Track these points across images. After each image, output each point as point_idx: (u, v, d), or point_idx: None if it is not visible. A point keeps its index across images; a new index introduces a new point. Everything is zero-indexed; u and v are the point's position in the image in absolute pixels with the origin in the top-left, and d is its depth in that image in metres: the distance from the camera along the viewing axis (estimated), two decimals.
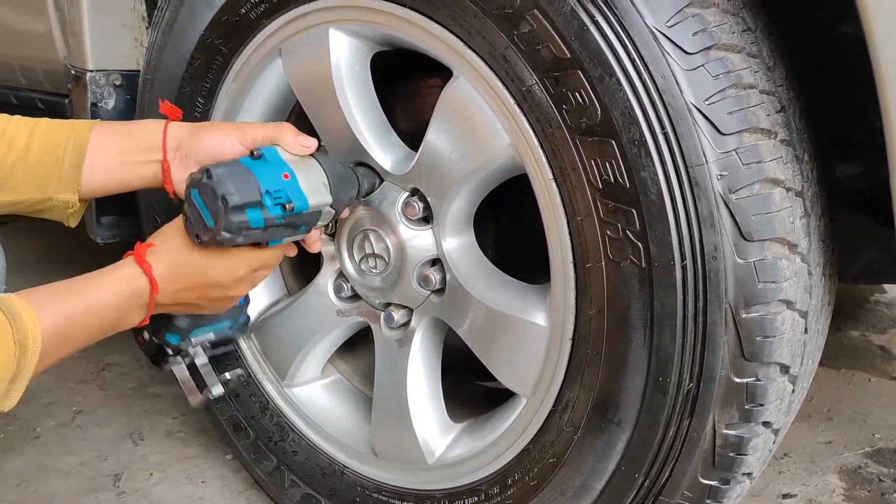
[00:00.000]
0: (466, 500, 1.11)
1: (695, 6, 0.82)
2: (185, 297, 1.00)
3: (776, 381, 0.88)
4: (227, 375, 1.14)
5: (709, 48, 0.82)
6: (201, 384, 1.12)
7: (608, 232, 0.88)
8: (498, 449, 1.07)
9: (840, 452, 1.59)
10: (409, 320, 1.15)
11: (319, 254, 1.19)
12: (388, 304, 1.17)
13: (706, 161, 0.81)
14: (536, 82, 0.88)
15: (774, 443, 0.97)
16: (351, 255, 1.17)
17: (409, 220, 1.09)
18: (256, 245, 1.00)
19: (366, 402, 1.31)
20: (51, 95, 1.59)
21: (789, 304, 0.86)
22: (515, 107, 0.91)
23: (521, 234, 1.18)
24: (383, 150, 1.10)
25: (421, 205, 1.08)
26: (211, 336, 1.11)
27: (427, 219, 1.09)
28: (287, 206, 0.95)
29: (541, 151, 0.91)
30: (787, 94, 0.90)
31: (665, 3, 0.82)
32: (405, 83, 1.23)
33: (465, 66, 0.95)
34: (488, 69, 0.92)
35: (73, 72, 1.40)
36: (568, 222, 0.91)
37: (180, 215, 0.99)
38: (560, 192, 0.91)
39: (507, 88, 0.91)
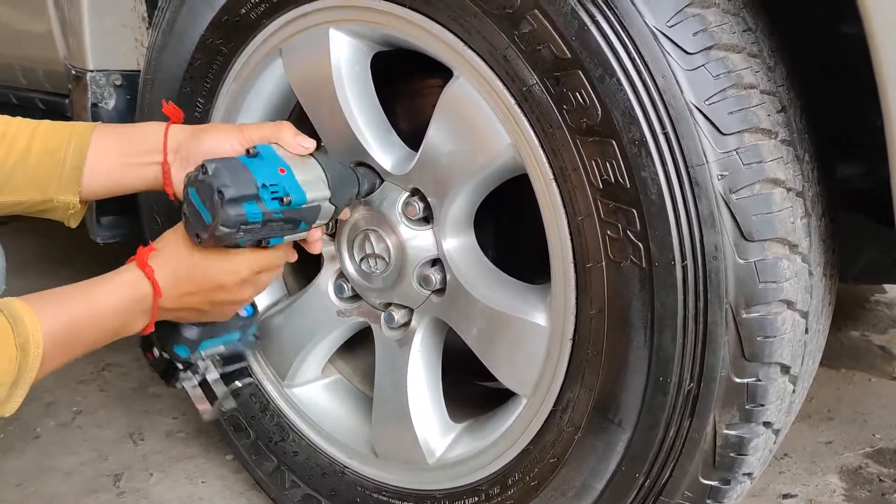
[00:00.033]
0: (467, 501, 1.11)
1: (695, 6, 0.82)
2: (189, 301, 1.00)
3: (777, 381, 0.88)
4: (238, 384, 1.12)
5: (709, 48, 0.82)
6: (212, 397, 1.11)
7: (609, 232, 0.88)
8: (498, 449, 1.07)
9: (840, 453, 1.59)
10: (410, 320, 1.15)
11: (320, 254, 1.19)
12: (389, 305, 1.17)
13: (707, 161, 0.81)
14: (537, 82, 0.88)
15: (775, 443, 0.96)
16: (351, 256, 1.17)
17: (409, 220, 1.09)
18: (258, 246, 1.00)
19: (366, 403, 1.31)
20: (51, 95, 1.59)
21: (790, 304, 0.86)
22: (516, 107, 0.91)
23: (522, 235, 1.18)
24: (384, 150, 1.10)
25: (421, 205, 1.08)
26: (221, 348, 1.09)
27: (427, 219, 1.09)
28: (284, 199, 0.95)
29: (541, 151, 0.91)
30: (787, 94, 0.90)
31: (665, 3, 0.82)
32: (405, 83, 1.23)
33: (465, 66, 0.95)
34: (489, 69, 0.92)
35: (73, 72, 1.40)
36: (568, 222, 0.91)
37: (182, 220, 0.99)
38: (560, 193, 0.91)
39: (508, 88, 0.91)
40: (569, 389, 0.97)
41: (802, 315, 0.89)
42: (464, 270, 1.07)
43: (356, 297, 1.21)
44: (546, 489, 1.01)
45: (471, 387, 1.33)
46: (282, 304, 1.32)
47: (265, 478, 1.35)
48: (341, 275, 1.22)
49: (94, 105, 1.38)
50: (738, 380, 0.86)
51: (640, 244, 0.86)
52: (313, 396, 1.33)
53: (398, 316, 1.15)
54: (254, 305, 1.13)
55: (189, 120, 1.21)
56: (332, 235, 1.19)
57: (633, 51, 0.82)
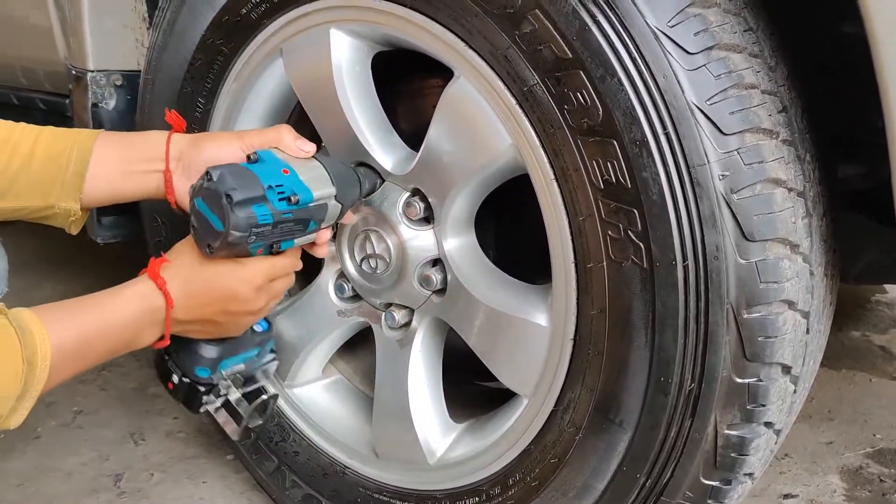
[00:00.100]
0: (468, 501, 1.10)
1: (696, 6, 0.82)
2: (203, 312, 0.98)
3: (778, 381, 0.88)
4: (264, 396, 1.11)
5: (710, 48, 0.82)
6: (237, 417, 1.10)
7: (610, 232, 0.88)
8: (499, 449, 1.07)
9: (841, 453, 1.59)
10: (410, 321, 1.15)
11: None
12: (389, 305, 1.17)
13: (708, 161, 0.81)
14: (538, 82, 0.88)
15: (776, 443, 0.96)
16: (352, 256, 1.17)
17: (410, 220, 1.09)
18: (269, 253, 1.00)
19: (367, 403, 1.31)
20: (51, 96, 1.59)
21: (791, 304, 0.86)
22: (517, 107, 0.91)
23: (523, 235, 1.18)
24: (384, 151, 1.10)
25: (422, 205, 1.08)
26: (241, 367, 1.08)
27: (428, 219, 1.09)
28: (292, 198, 0.95)
29: (542, 152, 0.91)
30: (788, 94, 0.90)
31: (666, 2, 0.82)
32: (406, 83, 1.23)
33: (466, 66, 0.95)
34: (489, 69, 0.92)
35: (73, 72, 1.40)
36: (569, 222, 0.91)
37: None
38: (561, 193, 0.91)
39: (509, 89, 0.91)
40: (570, 390, 0.97)
41: (804, 315, 0.89)
42: (464, 270, 1.07)
43: (357, 297, 1.21)
44: (547, 489, 1.01)
45: (471, 387, 1.33)
46: (282, 305, 1.32)
47: (266, 478, 1.35)
48: (342, 275, 1.22)
49: (95, 105, 1.38)
50: (739, 380, 0.86)
51: (641, 244, 0.86)
52: (314, 397, 1.33)
53: (399, 316, 1.15)
54: (268, 320, 1.12)
55: (190, 120, 1.21)
56: (333, 236, 1.19)
57: (634, 51, 0.82)
